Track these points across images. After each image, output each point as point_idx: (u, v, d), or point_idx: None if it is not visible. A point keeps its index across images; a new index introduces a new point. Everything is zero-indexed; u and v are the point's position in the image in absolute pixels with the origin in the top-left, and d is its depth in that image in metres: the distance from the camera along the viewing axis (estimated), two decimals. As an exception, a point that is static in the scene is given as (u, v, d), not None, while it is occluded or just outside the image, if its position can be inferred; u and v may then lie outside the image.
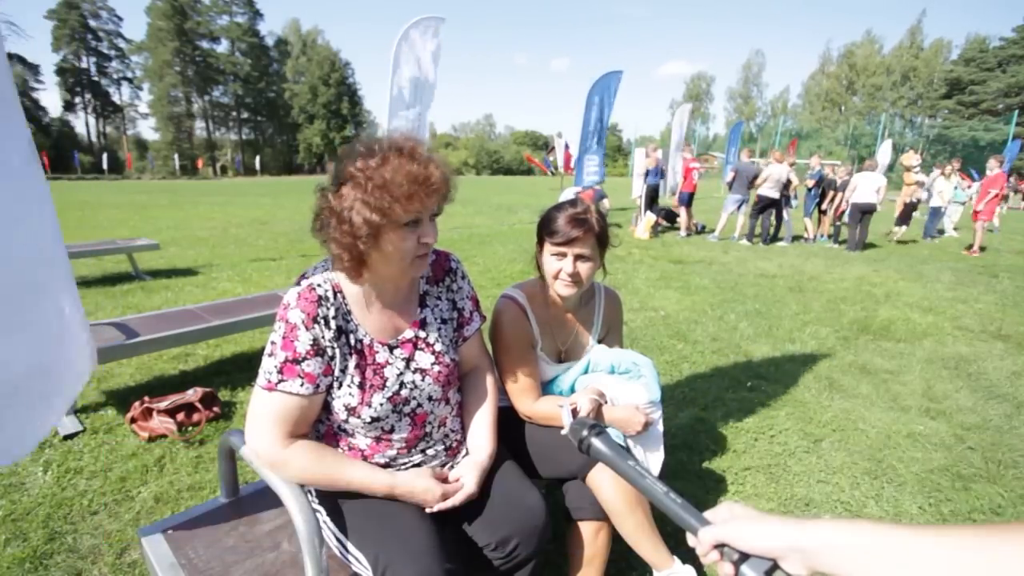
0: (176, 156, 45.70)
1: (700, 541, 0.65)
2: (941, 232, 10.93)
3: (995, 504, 2.15)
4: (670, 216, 10.79)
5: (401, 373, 1.18)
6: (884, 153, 15.65)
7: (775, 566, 0.59)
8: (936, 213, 10.46)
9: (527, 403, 1.52)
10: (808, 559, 0.56)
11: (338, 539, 1.15)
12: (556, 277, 1.49)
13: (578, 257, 1.46)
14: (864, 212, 8.67)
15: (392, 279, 1.16)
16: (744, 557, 0.60)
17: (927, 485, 2.25)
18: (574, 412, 1.38)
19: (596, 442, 0.83)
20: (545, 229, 1.50)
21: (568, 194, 8.40)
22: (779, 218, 9.69)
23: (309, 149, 58.06)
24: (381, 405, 1.15)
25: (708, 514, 0.67)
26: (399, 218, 1.04)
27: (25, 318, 1.05)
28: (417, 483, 1.14)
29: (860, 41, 54.85)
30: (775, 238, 9.81)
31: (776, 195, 9.07)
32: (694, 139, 38.11)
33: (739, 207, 9.54)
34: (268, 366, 1.07)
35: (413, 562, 1.02)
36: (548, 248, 1.49)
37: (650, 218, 9.80)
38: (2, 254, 1.02)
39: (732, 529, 0.62)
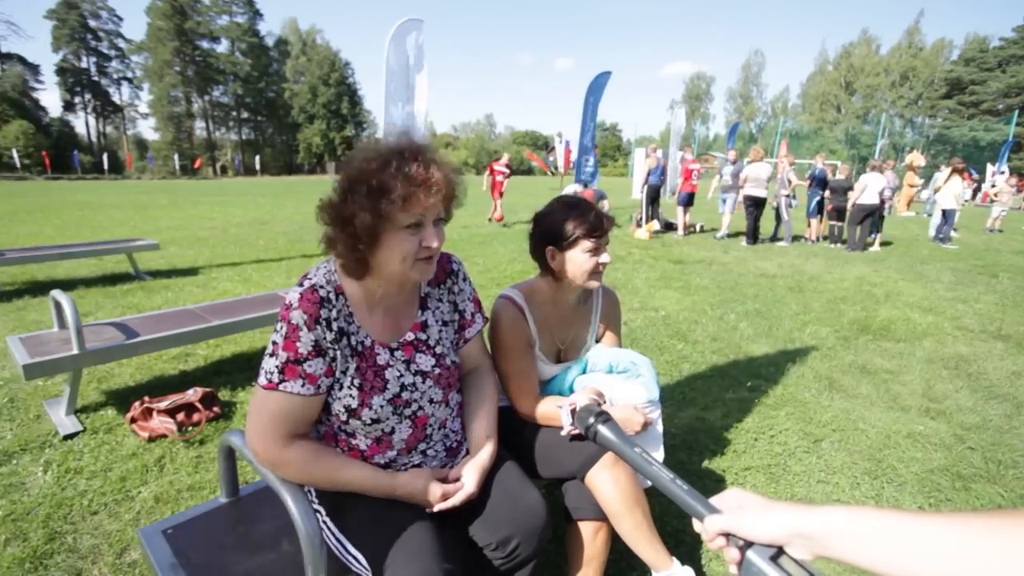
0: (176, 156, 45.68)
1: (706, 529, 0.65)
2: (951, 240, 9.91)
3: (995, 504, 2.15)
4: (668, 227, 10.76)
5: (401, 375, 1.18)
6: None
7: (780, 551, 0.59)
8: (951, 215, 9.63)
9: (526, 403, 1.52)
10: (813, 545, 0.57)
11: (338, 539, 1.15)
12: (593, 272, 1.53)
13: (607, 247, 1.55)
14: (868, 214, 8.68)
15: (395, 282, 1.15)
16: (750, 543, 0.61)
17: (927, 485, 2.25)
18: (573, 412, 1.38)
19: (603, 429, 0.84)
20: (579, 229, 1.49)
21: (568, 191, 8.42)
22: (779, 218, 9.70)
23: (309, 149, 58.04)
24: (381, 407, 1.15)
25: (714, 500, 0.68)
26: (398, 221, 1.04)
27: None
28: (417, 483, 1.14)
29: (857, 41, 54.85)
30: (775, 238, 9.82)
31: (762, 193, 9.07)
32: (694, 139, 38.11)
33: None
34: (269, 366, 1.07)
35: (413, 562, 1.02)
36: (582, 246, 1.50)
37: (652, 224, 9.85)
38: None
39: (738, 519, 0.62)
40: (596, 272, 1.54)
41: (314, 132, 57.48)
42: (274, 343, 1.08)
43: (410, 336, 1.22)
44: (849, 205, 8.98)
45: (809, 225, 9.88)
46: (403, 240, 1.06)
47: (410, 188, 1.03)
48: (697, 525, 0.68)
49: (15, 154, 36.10)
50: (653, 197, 10.17)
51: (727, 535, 0.63)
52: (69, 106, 49.80)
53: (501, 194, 11.22)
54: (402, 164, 1.04)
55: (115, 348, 2.68)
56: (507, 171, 11.37)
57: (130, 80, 53.27)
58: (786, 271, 6.85)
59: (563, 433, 1.42)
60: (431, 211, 1.08)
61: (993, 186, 13.73)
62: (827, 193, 9.49)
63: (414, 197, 1.03)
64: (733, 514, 0.63)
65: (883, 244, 9.21)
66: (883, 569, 0.51)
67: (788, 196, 9.44)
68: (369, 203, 1.03)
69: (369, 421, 1.14)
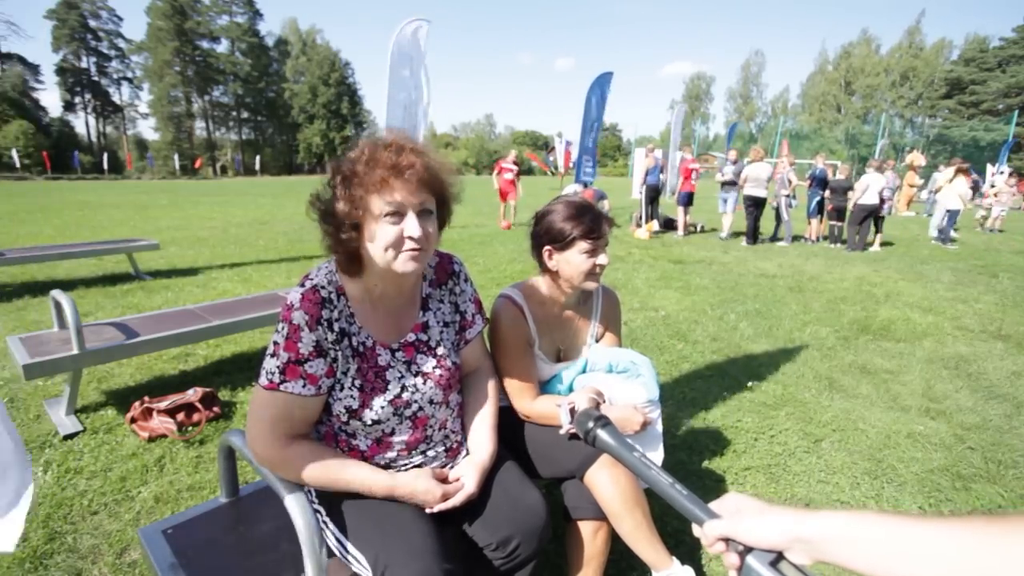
0: (176, 156, 45.62)
1: (705, 534, 0.65)
2: (953, 240, 9.90)
3: (995, 504, 2.15)
4: (669, 224, 10.73)
5: (402, 376, 1.18)
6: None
7: (780, 556, 0.59)
8: (955, 215, 9.56)
9: (525, 402, 1.52)
10: (812, 549, 0.57)
11: (338, 539, 1.15)
12: (589, 273, 1.53)
13: (606, 248, 1.54)
14: (868, 214, 8.68)
15: (389, 277, 1.14)
16: (750, 548, 0.61)
17: (927, 485, 2.25)
18: (572, 412, 1.38)
19: (602, 433, 0.84)
20: (576, 230, 1.50)
21: (568, 191, 8.41)
22: (779, 218, 9.69)
23: (309, 149, 58.01)
24: (382, 408, 1.14)
25: (714, 505, 0.67)
26: (375, 209, 1.05)
27: None
28: (418, 484, 1.14)
29: (857, 41, 54.80)
30: (775, 238, 9.82)
31: (762, 193, 9.08)
32: (694, 139, 38.08)
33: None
34: (270, 366, 1.07)
35: (413, 562, 1.02)
36: (579, 247, 1.50)
37: (652, 224, 9.84)
38: None
39: (737, 524, 0.62)
40: (593, 273, 1.54)
41: (314, 132, 57.45)
42: (275, 343, 1.08)
43: (411, 337, 1.22)
44: (850, 205, 8.97)
45: (809, 225, 9.88)
46: (383, 229, 1.05)
47: (380, 172, 1.03)
48: (696, 530, 0.68)
49: (15, 154, 36.03)
50: (652, 197, 10.17)
51: (726, 540, 0.63)
52: (69, 106, 49.78)
53: (508, 194, 10.62)
54: (375, 151, 1.06)
55: (115, 348, 2.68)
56: (515, 167, 10.88)
57: (130, 80, 53.30)
58: (786, 271, 6.85)
59: (562, 432, 1.42)
60: (409, 199, 1.06)
61: (992, 186, 13.68)
62: (827, 193, 9.47)
63: (385, 182, 1.03)
64: (732, 519, 0.63)
65: (883, 244, 9.21)
66: (883, 574, 0.51)
67: (788, 196, 9.43)
68: (344, 190, 1.05)
69: (370, 422, 1.14)
